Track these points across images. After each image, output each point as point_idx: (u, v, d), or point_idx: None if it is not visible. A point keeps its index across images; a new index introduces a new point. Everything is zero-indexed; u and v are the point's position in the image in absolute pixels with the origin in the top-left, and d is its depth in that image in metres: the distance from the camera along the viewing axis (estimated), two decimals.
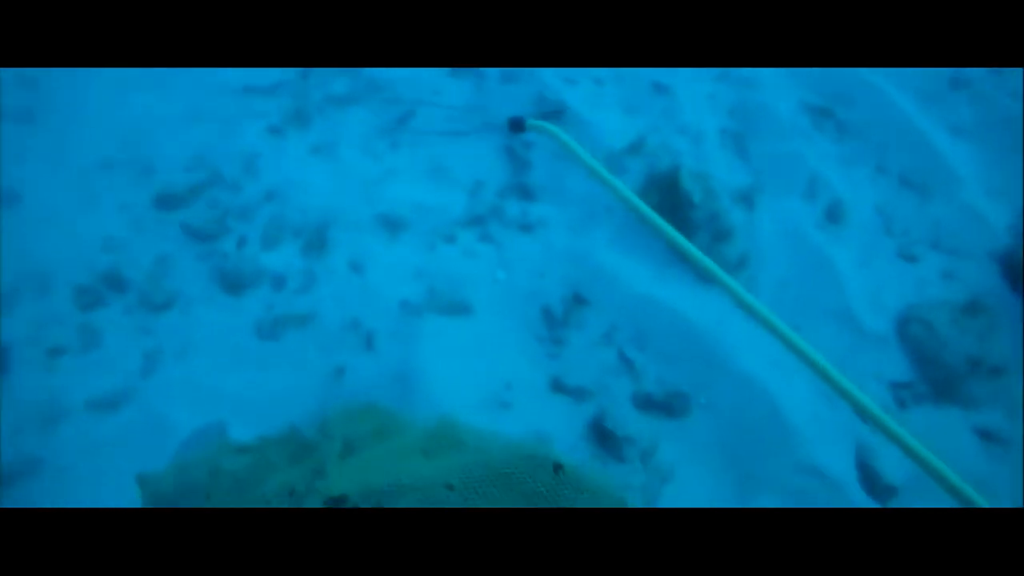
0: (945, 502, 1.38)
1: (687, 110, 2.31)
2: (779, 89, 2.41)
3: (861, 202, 2.16)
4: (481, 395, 1.57)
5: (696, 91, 2.37)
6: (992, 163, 2.19)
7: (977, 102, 2.33)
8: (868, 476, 1.52)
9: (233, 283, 1.74)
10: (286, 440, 1.14)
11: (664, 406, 1.60)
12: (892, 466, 1.50)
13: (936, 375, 1.74)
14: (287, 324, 1.68)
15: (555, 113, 2.14)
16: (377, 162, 2.03)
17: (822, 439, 1.53)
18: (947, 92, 2.35)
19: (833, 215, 2.10)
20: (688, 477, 1.50)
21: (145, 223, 1.87)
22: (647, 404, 1.61)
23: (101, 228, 1.84)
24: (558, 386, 1.62)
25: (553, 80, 2.26)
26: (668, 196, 1.93)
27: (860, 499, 1.46)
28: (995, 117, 2.28)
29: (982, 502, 1.30)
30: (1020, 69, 2.36)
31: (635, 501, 1.43)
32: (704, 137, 2.24)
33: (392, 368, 1.59)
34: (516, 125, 1.94)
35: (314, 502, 0.94)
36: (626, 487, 1.42)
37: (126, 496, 1.29)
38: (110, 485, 1.41)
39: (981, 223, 2.04)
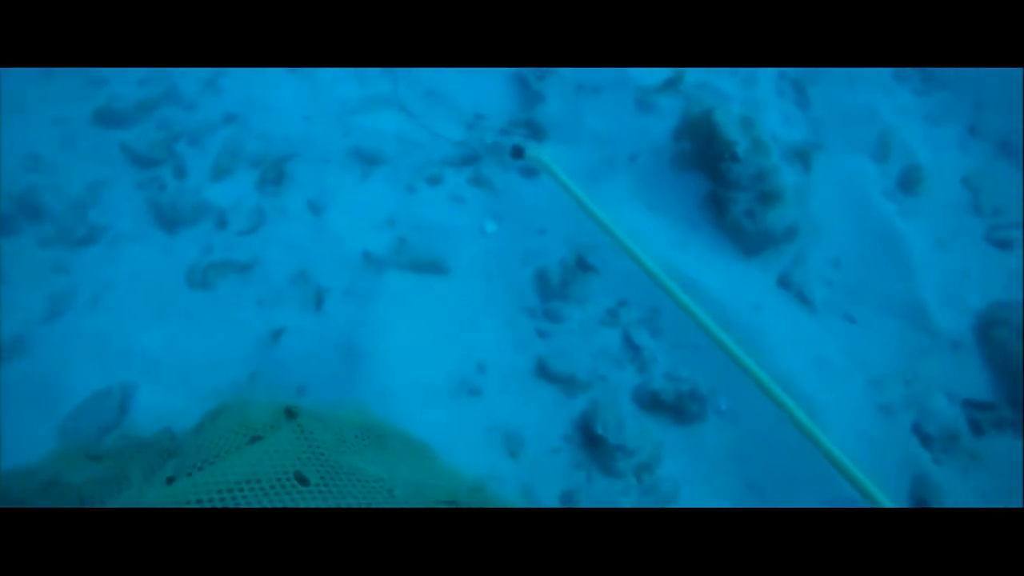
0: None
1: None
2: None
3: (945, 170, 1.78)
4: (445, 377, 1.27)
5: None
6: None
7: None
8: None
9: (169, 218, 1.46)
10: (151, 446, 0.87)
11: (673, 408, 1.28)
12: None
13: None
14: (224, 271, 1.40)
15: None
16: (363, 85, 1.71)
17: (872, 470, 1.19)
18: None
19: (908, 183, 1.74)
20: (694, 502, 1.18)
21: (80, 141, 1.59)
22: (652, 404, 1.28)
23: (27, 144, 1.57)
24: (544, 372, 1.31)
25: None
26: (705, 145, 1.57)
27: None
28: None
29: (886, 501, 1.12)
30: None
31: None
32: (757, 78, 1.86)
33: (340, 334, 1.30)
34: (517, 152, 1.59)
35: None
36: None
37: None
38: None
39: None
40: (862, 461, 1.23)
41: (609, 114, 1.65)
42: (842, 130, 1.82)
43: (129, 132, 1.61)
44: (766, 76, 1.87)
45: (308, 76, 1.72)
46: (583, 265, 1.45)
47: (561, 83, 1.70)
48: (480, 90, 1.72)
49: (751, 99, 1.81)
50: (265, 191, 1.52)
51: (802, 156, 1.70)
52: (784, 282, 1.52)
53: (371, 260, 1.41)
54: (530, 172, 1.59)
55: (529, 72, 1.73)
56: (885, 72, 1.96)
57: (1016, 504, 1.18)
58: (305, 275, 1.39)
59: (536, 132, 1.64)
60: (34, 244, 1.44)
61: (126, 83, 1.72)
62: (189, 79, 1.71)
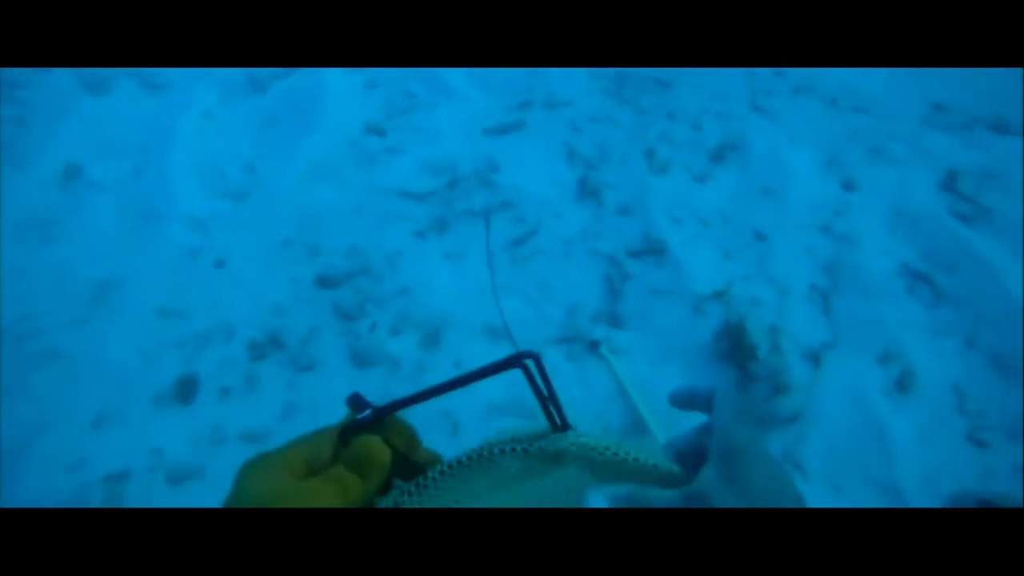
0: None
1: (781, 261, 2.51)
2: (881, 249, 2.53)
3: (939, 376, 2.22)
4: None
5: (795, 242, 2.57)
6: None
7: None
8: None
9: (361, 360, 2.17)
10: None
11: None
12: None
13: None
14: None
15: (655, 251, 2.45)
16: (495, 274, 2.42)
17: None
18: None
19: (903, 384, 2.20)
20: None
21: (305, 297, 2.36)
22: None
23: (274, 296, 2.35)
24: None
25: (661, 219, 2.56)
26: (736, 346, 2.16)
27: None
28: None
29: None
30: None
31: None
32: (791, 290, 2.43)
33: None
34: (593, 346, 2.23)
35: None
36: None
37: None
38: None
39: None
40: None
41: (670, 314, 2.28)
42: (855, 336, 2.33)
43: (337, 293, 2.37)
44: (799, 289, 2.44)
45: (459, 263, 2.45)
46: (636, 427, 2.05)
47: (637, 287, 2.36)
48: (576, 286, 2.39)
49: (784, 307, 2.39)
50: (426, 349, 2.22)
51: (815, 357, 2.26)
52: (787, 454, 2.05)
53: (494, 407, 2.07)
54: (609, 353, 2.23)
55: (615, 274, 2.40)
56: (900, 288, 2.48)
57: None
58: (448, 413, 2.06)
59: (616, 321, 2.29)
60: (276, 366, 2.18)
61: (334, 255, 2.50)
62: (377, 258, 2.48)
